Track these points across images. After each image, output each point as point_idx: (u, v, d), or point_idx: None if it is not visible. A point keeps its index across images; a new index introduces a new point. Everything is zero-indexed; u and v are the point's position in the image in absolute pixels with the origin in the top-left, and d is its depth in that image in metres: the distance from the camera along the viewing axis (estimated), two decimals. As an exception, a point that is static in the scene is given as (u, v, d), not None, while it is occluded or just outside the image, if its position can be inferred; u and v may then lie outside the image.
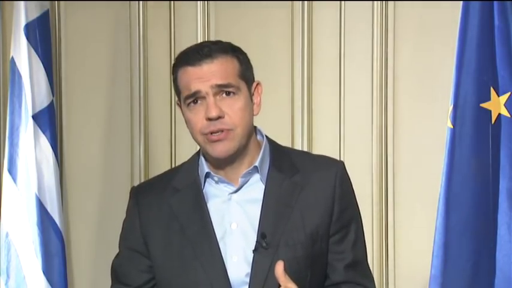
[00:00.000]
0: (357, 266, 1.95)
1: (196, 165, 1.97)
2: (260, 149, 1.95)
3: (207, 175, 1.94)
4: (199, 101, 1.88)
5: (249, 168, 1.92)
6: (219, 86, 1.87)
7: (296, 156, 2.00)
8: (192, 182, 1.95)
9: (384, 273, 2.87)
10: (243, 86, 1.91)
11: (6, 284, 2.79)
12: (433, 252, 2.33)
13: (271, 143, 1.98)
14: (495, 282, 2.30)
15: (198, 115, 1.88)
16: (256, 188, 1.93)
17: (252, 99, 1.93)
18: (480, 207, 2.30)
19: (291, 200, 1.91)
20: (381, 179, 2.87)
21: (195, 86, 1.87)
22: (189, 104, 1.89)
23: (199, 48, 1.90)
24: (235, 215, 1.91)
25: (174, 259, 1.91)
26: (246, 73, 1.93)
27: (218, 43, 1.93)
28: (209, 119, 1.86)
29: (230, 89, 1.88)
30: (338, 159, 2.04)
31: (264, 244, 1.86)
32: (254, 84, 1.95)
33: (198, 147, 1.97)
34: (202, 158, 1.96)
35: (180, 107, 1.95)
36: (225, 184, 1.93)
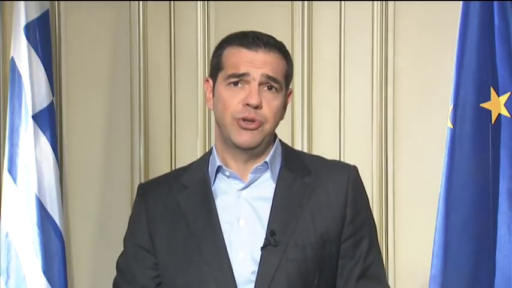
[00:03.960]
0: (372, 271, 1.93)
1: (207, 162, 1.96)
2: (272, 148, 1.95)
3: (218, 169, 1.93)
4: (240, 84, 1.87)
5: (259, 164, 1.92)
6: (269, 77, 1.87)
7: (308, 159, 1.99)
8: (200, 178, 1.93)
9: (383, 273, 2.87)
10: (284, 87, 1.92)
11: (6, 284, 2.79)
12: (433, 252, 2.33)
13: (283, 145, 1.98)
14: (495, 282, 2.31)
15: (235, 98, 1.87)
16: (266, 186, 1.92)
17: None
18: (480, 207, 2.31)
19: (302, 201, 1.90)
20: (381, 179, 2.87)
21: (245, 68, 1.86)
22: (229, 84, 1.88)
23: (257, 35, 1.90)
24: (244, 211, 1.89)
25: (178, 255, 1.89)
26: (289, 77, 1.94)
27: (274, 38, 1.93)
28: (247, 105, 1.85)
29: (275, 85, 1.88)
30: (351, 164, 2.01)
31: (273, 241, 1.85)
32: (289, 91, 1.96)
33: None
34: (214, 153, 1.94)
35: (211, 82, 1.93)
36: (236, 180, 1.92)
